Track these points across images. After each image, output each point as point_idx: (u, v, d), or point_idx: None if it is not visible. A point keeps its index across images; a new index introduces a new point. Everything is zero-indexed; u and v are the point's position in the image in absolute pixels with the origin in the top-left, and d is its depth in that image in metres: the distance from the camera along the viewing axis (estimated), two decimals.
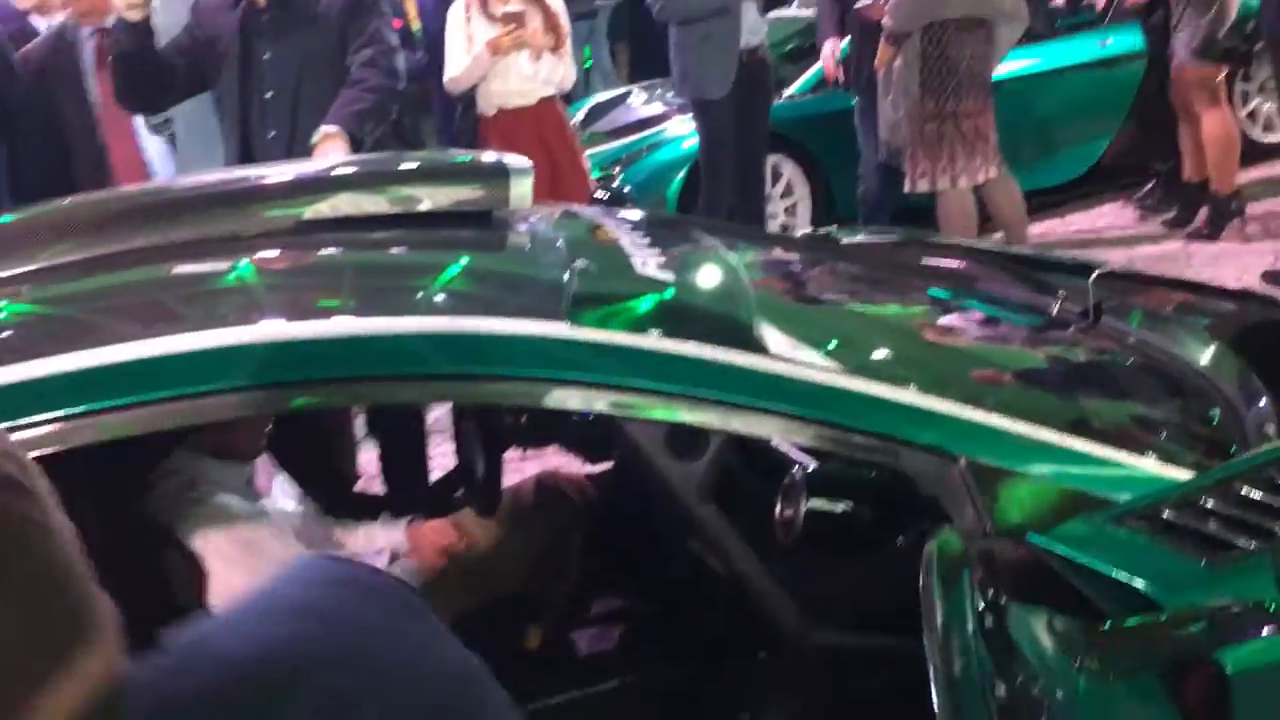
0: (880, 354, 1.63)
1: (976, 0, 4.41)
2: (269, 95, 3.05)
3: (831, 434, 1.41)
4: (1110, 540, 1.37)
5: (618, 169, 5.64)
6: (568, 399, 1.42)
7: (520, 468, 2.96)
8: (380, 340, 1.37)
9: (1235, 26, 4.86)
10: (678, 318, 1.54)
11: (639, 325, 1.46)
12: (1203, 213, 5.25)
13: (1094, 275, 2.10)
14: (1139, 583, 1.29)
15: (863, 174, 5.20)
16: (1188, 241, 5.20)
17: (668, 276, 1.65)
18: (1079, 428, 1.54)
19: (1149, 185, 5.71)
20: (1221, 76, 5.01)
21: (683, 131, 5.62)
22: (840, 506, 1.54)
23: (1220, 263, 4.87)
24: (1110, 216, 5.79)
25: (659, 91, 6.46)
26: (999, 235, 4.84)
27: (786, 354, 1.47)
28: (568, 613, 2.20)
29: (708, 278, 1.76)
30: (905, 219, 5.16)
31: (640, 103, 6.45)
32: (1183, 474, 1.49)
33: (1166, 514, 1.39)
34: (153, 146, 3.70)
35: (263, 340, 1.34)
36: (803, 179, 5.73)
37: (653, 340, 1.42)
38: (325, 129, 2.78)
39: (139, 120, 3.60)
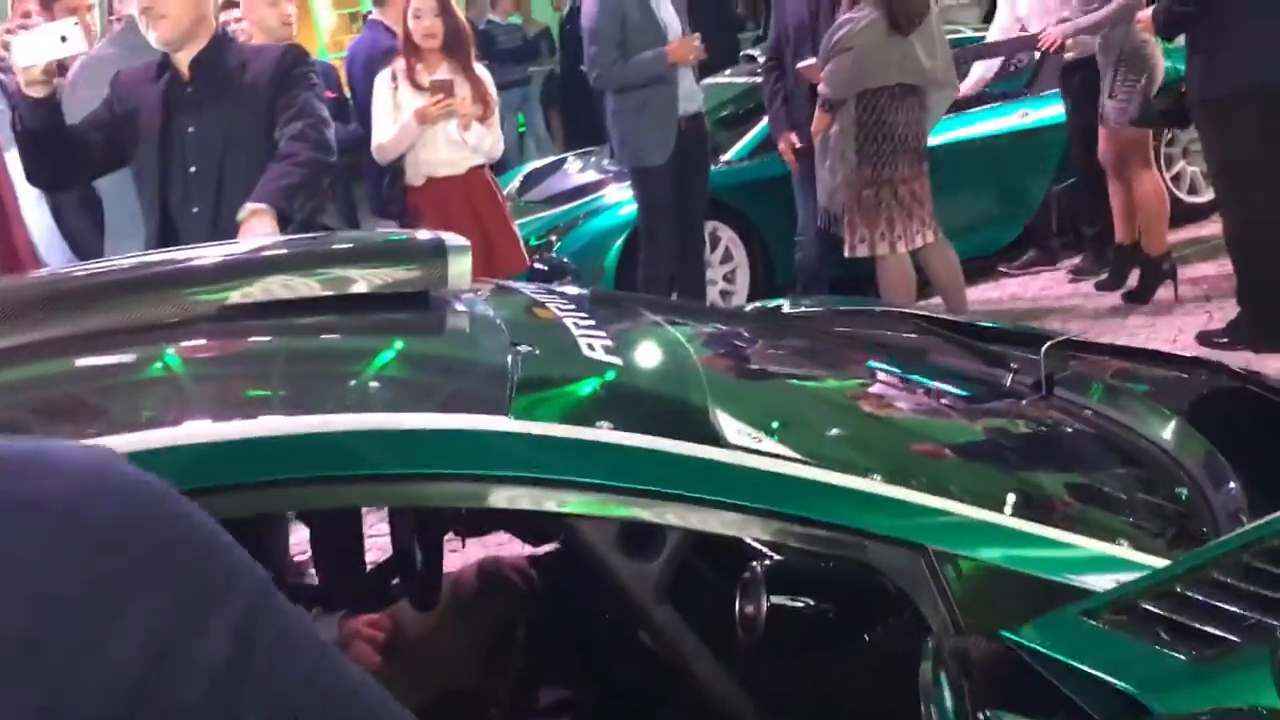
0: (839, 439, 1.56)
1: (908, 69, 4.46)
2: (192, 170, 2.93)
3: (794, 529, 1.33)
4: (1088, 635, 1.30)
5: (554, 237, 5.58)
6: (514, 498, 1.33)
7: (460, 549, 2.85)
8: (308, 440, 1.27)
9: (1163, 90, 4.97)
10: (628, 407, 1.46)
11: (587, 417, 1.37)
12: (1135, 275, 5.31)
13: (1045, 346, 2.06)
14: (1123, 683, 1.22)
15: (800, 240, 5.19)
16: (1122, 303, 5.25)
17: (615, 361, 1.57)
18: (1047, 513, 1.48)
19: (1082, 251, 5.79)
20: (1151, 140, 5.11)
21: (620, 198, 5.59)
22: (803, 602, 1.46)
23: (1156, 324, 4.92)
24: (1043, 280, 5.85)
25: (594, 159, 6.45)
26: (937, 300, 4.85)
27: (743, 443, 1.40)
28: (514, 707, 2.08)
29: (657, 362, 1.68)
30: (844, 285, 5.17)
31: (576, 170, 6.43)
32: (1156, 560, 1.43)
33: (1144, 605, 1.33)
34: (39, 227, 3.49)
35: (181, 443, 1.24)
36: (740, 245, 5.72)
37: (603, 433, 1.34)
38: (252, 205, 2.68)
39: (26, 198, 3.41)
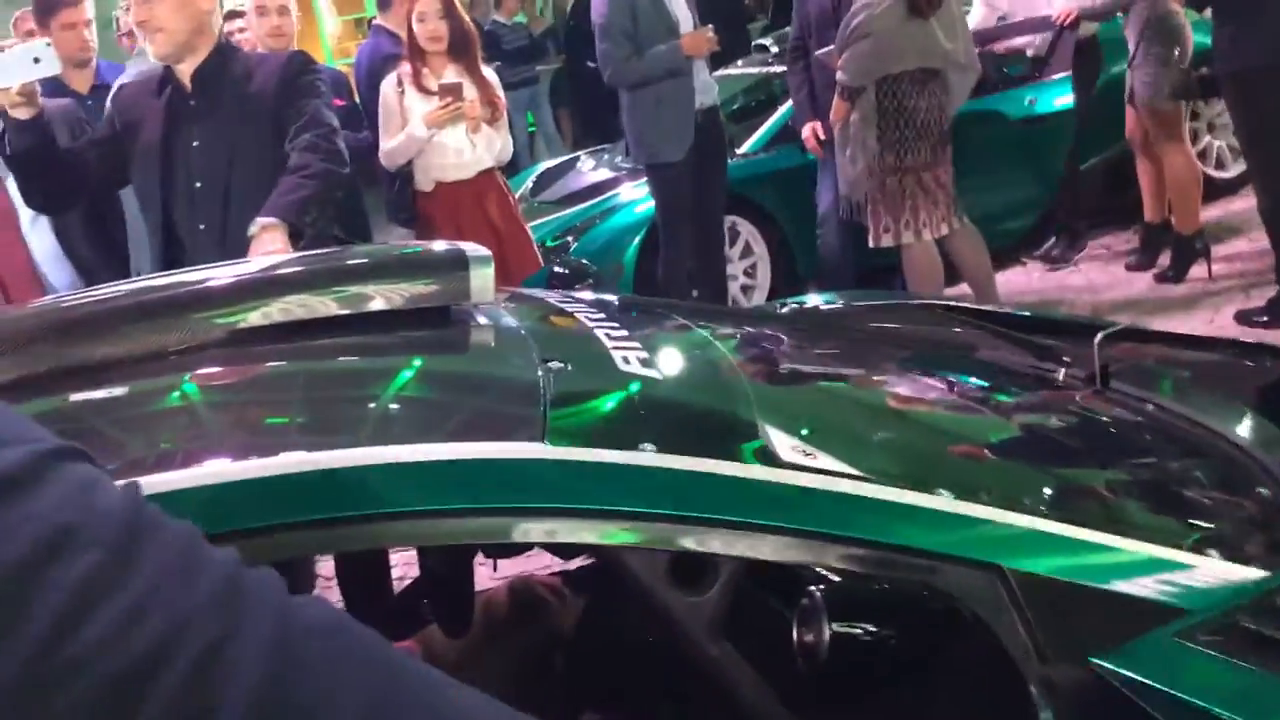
0: (899, 452, 1.45)
1: (928, 52, 4.34)
2: (198, 185, 2.84)
3: (857, 552, 1.23)
4: (1184, 659, 1.20)
5: (571, 238, 5.48)
6: (551, 532, 1.22)
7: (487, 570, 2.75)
8: (328, 477, 1.17)
9: (1193, 62, 4.84)
10: (672, 427, 1.35)
11: (628, 439, 1.27)
12: (1166, 255, 5.18)
13: (1099, 336, 1.95)
14: (1226, 712, 1.11)
15: (822, 231, 5.08)
16: (1154, 285, 5.12)
17: (653, 375, 1.46)
18: (1127, 525, 1.37)
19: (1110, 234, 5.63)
20: (1183, 115, 4.97)
21: (636, 196, 5.48)
22: (867, 630, 1.36)
23: (1192, 306, 4.79)
24: (1069, 264, 5.70)
25: (607, 157, 6.34)
26: (964, 288, 4.73)
27: (798, 460, 1.29)
28: None
29: (699, 374, 1.57)
30: (869, 275, 5.05)
31: (589, 169, 6.32)
32: (1251, 572, 1.32)
33: (1245, 623, 1.22)
34: (40, 249, 3.39)
35: (190, 485, 1.14)
36: (760, 238, 5.61)
37: (647, 456, 1.24)
38: (263, 220, 2.58)
39: (27, 224, 3.32)
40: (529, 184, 6.33)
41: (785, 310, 2.17)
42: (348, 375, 1.52)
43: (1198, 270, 5.01)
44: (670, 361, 1.59)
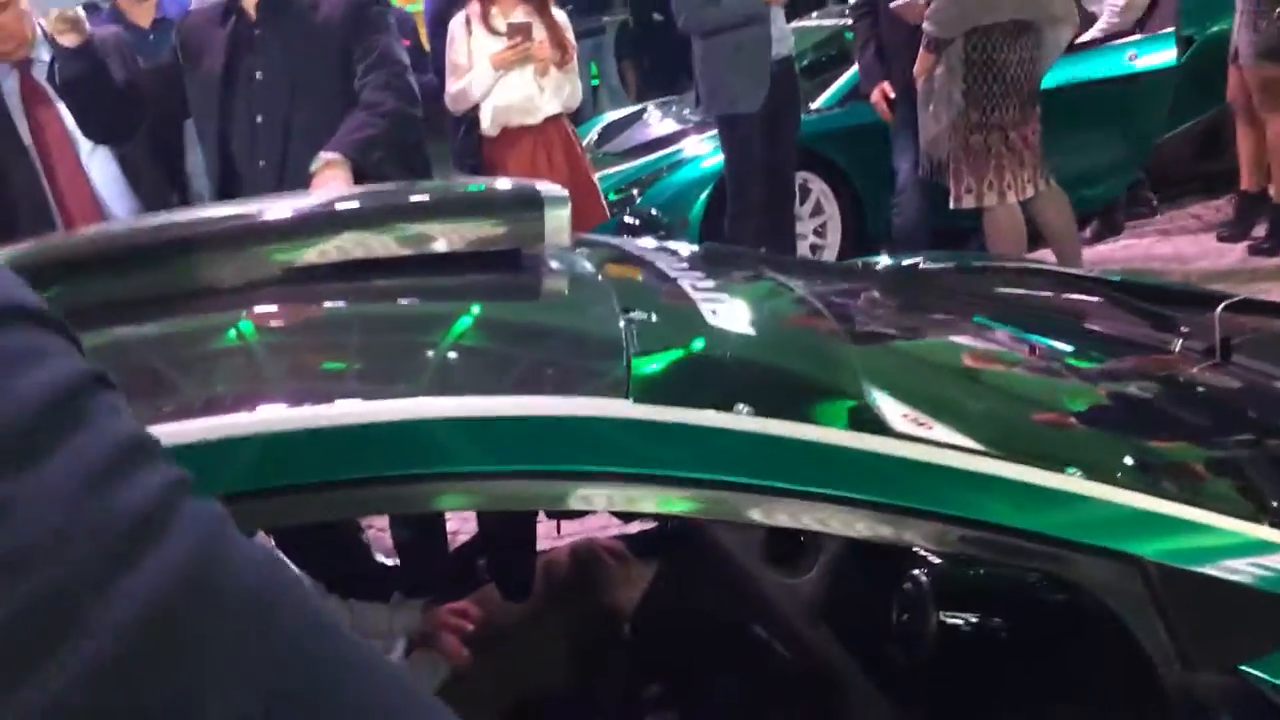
0: (1023, 425, 1.30)
1: (1024, 3, 4.11)
2: (259, 120, 2.73)
3: (984, 537, 1.08)
4: None
5: (635, 190, 5.33)
6: (634, 499, 1.10)
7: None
8: (387, 430, 1.05)
9: None
10: (770, 387, 1.21)
11: (722, 399, 1.13)
12: (1262, 225, 4.92)
13: (1220, 306, 1.78)
14: None
15: (899, 200, 4.88)
16: (1247, 257, 4.87)
17: (748, 331, 1.33)
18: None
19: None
20: None
21: (703, 150, 5.32)
22: (977, 621, 1.22)
23: (1257, 294, 4.54)
24: (1156, 233, 5.46)
25: (674, 109, 6.18)
26: (1046, 254, 4.52)
27: (910, 430, 1.15)
28: (620, 715, 1.87)
29: (798, 332, 1.43)
30: (944, 239, 4.85)
31: (656, 121, 6.15)
32: None
33: None
34: (101, 177, 3.30)
35: (237, 434, 1.02)
36: (831, 197, 5.42)
37: (743, 420, 1.10)
38: (326, 155, 2.46)
39: (86, 154, 3.23)
40: (594, 135, 6.18)
41: (883, 268, 2.01)
42: (410, 320, 1.40)
43: None
44: (763, 317, 1.45)
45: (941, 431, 1.16)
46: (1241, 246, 4.96)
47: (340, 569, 2.14)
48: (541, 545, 2.16)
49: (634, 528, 2.42)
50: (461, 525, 2.96)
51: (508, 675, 1.96)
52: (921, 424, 1.17)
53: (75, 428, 0.40)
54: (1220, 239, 5.12)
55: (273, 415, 1.05)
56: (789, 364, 1.33)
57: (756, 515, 1.09)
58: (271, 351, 1.29)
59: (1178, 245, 5.24)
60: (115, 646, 0.37)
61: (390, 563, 2.42)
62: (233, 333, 1.28)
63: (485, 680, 1.93)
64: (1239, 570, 1.14)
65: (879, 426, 1.14)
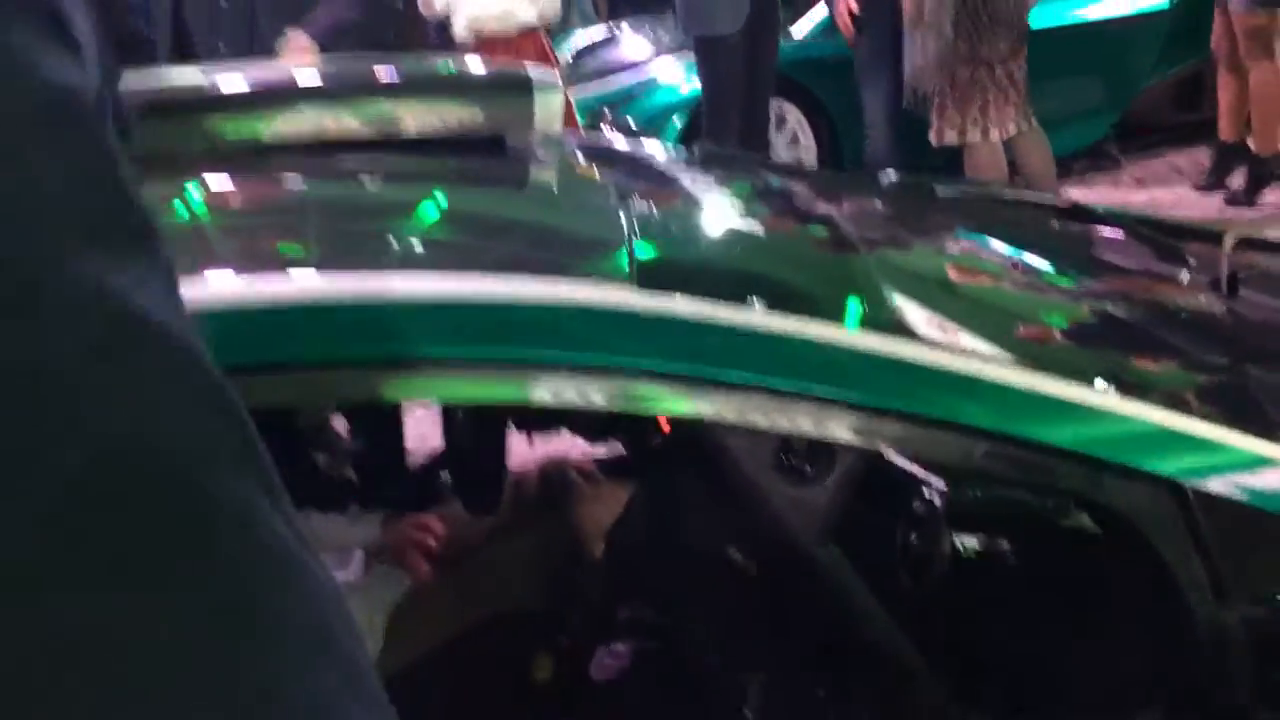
0: (1053, 339, 1.22)
1: None
2: (223, 3, 2.56)
3: (1012, 452, 1.00)
4: None
5: (608, 114, 5.18)
6: (634, 399, 1.00)
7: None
8: (360, 309, 0.94)
9: None
10: (782, 282, 1.12)
11: (733, 291, 1.03)
12: (1240, 175, 4.88)
13: (1229, 238, 1.71)
14: None
15: (871, 135, 4.76)
16: (1224, 207, 4.84)
17: (754, 225, 1.23)
18: None
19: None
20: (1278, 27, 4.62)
21: (679, 74, 5.16)
22: (994, 545, 1.14)
23: (1265, 231, 4.51)
24: (1132, 181, 5.40)
25: (648, 28, 6.00)
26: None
27: (934, 336, 1.06)
28: (585, 639, 1.78)
29: (808, 231, 1.33)
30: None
31: (629, 43, 5.98)
32: None
33: None
34: None
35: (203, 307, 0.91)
36: (807, 127, 5.29)
37: (757, 316, 1.00)
38: (294, 34, 2.31)
39: None
40: (567, 57, 6.00)
41: (892, 182, 1.92)
42: (377, 201, 1.28)
43: (1272, 195, 4.73)
44: (772, 215, 1.35)
45: (968, 339, 1.08)
46: (1218, 197, 4.92)
47: (295, 478, 2.03)
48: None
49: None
50: (420, 445, 2.85)
51: (470, 593, 1.87)
52: (946, 330, 1.08)
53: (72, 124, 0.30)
54: (1197, 189, 5.07)
55: (224, 290, 0.94)
56: (804, 260, 1.23)
57: (772, 419, 0.99)
58: (224, 228, 1.17)
59: (1154, 194, 5.19)
60: None
61: (348, 472, 2.32)
62: (182, 204, 1.16)
63: (446, 597, 1.85)
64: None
65: (903, 331, 1.05)
